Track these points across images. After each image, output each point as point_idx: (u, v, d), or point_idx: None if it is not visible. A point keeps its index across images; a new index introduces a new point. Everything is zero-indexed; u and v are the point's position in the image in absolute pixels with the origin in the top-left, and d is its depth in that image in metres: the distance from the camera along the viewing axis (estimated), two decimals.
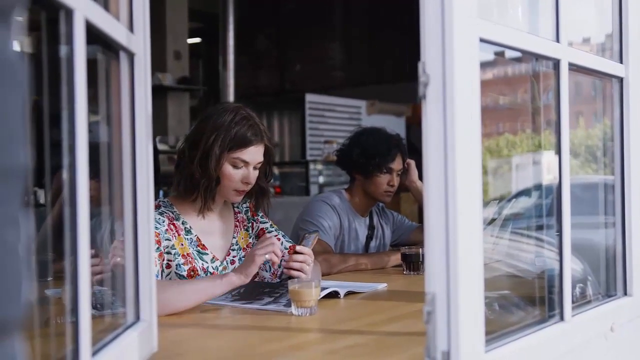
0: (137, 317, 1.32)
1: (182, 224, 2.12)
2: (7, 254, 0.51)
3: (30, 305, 0.56)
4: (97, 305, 1.31)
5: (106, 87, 1.29)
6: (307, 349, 1.51)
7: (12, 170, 0.52)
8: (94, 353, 1.04)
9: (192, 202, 2.14)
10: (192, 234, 2.12)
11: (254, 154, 2.10)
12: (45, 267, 1.27)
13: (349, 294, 2.09)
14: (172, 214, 2.12)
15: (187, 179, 2.11)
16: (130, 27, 1.29)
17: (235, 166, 2.09)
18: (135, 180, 1.31)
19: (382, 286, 2.26)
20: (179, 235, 2.09)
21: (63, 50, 0.97)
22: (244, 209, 2.31)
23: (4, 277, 0.51)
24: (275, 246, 1.93)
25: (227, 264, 2.19)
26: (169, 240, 2.05)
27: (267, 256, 1.90)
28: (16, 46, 0.56)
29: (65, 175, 0.97)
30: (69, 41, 0.96)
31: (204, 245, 2.14)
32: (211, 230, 2.18)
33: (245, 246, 2.26)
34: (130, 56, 1.29)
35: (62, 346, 1.02)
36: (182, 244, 2.08)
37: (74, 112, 0.96)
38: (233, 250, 2.22)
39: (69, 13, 0.95)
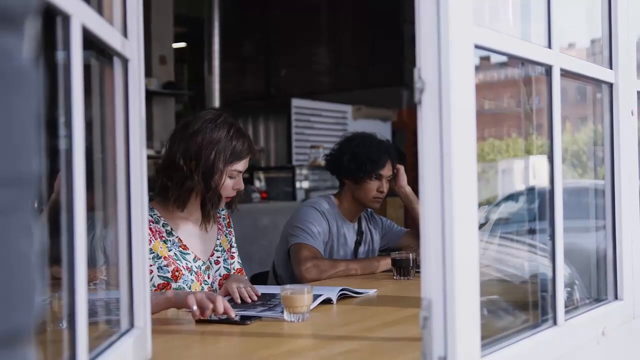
0: (131, 324, 1.31)
1: (163, 226, 2.17)
2: (21, 263, 0.51)
3: (41, 314, 0.56)
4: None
5: (100, 93, 1.29)
6: (302, 355, 1.51)
7: (26, 178, 0.51)
8: None
9: (181, 211, 2.19)
10: (173, 235, 2.18)
11: (246, 163, 2.23)
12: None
13: (342, 297, 2.09)
14: (152, 217, 2.15)
15: (185, 192, 2.14)
16: (124, 33, 1.29)
17: (231, 177, 2.19)
18: (129, 186, 1.30)
19: (372, 292, 2.26)
20: (160, 237, 2.14)
21: (59, 55, 0.97)
22: (222, 216, 2.38)
23: (19, 286, 0.50)
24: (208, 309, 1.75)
25: (210, 263, 2.25)
26: None
27: (194, 308, 1.72)
28: (28, 54, 0.56)
29: (61, 181, 0.96)
30: (65, 47, 0.96)
31: (185, 245, 2.19)
32: (194, 232, 2.24)
33: (226, 249, 2.33)
34: (125, 62, 1.29)
35: (57, 353, 1.01)
36: (161, 247, 2.13)
37: (71, 117, 0.95)
38: (217, 250, 2.30)
39: (66, 19, 0.95)
